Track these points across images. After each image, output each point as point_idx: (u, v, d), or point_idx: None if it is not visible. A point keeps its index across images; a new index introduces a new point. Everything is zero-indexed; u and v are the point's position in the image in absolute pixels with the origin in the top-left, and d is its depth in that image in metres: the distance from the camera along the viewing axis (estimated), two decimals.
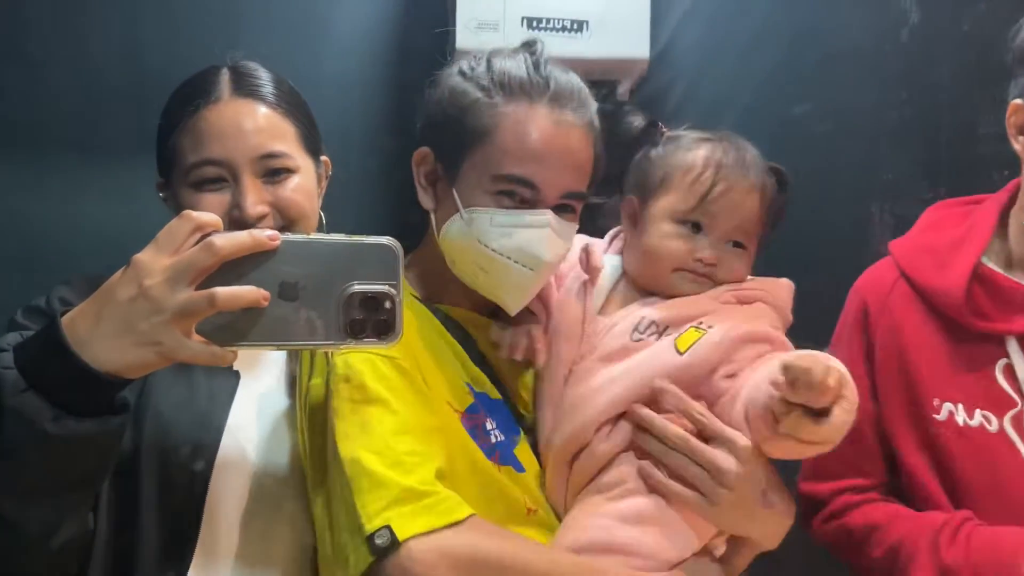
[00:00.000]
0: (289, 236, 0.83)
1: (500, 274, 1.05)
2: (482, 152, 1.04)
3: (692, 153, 1.09)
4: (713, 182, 1.07)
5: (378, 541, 0.89)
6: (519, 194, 1.03)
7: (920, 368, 1.14)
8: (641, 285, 1.11)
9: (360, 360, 0.97)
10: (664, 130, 1.13)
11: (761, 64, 1.60)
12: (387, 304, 0.84)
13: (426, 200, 1.10)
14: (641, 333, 1.06)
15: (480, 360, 1.11)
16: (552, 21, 1.46)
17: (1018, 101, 1.08)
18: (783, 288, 1.11)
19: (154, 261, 0.79)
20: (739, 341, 1.02)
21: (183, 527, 1.02)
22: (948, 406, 1.12)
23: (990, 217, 1.15)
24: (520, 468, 1.07)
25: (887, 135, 1.58)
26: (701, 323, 1.04)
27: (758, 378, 0.96)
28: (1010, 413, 1.09)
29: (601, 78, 1.47)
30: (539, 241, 1.04)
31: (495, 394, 1.10)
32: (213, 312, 0.79)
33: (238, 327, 0.82)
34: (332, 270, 0.83)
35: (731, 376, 1.01)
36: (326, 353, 1.00)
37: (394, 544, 0.89)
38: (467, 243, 1.04)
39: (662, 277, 1.09)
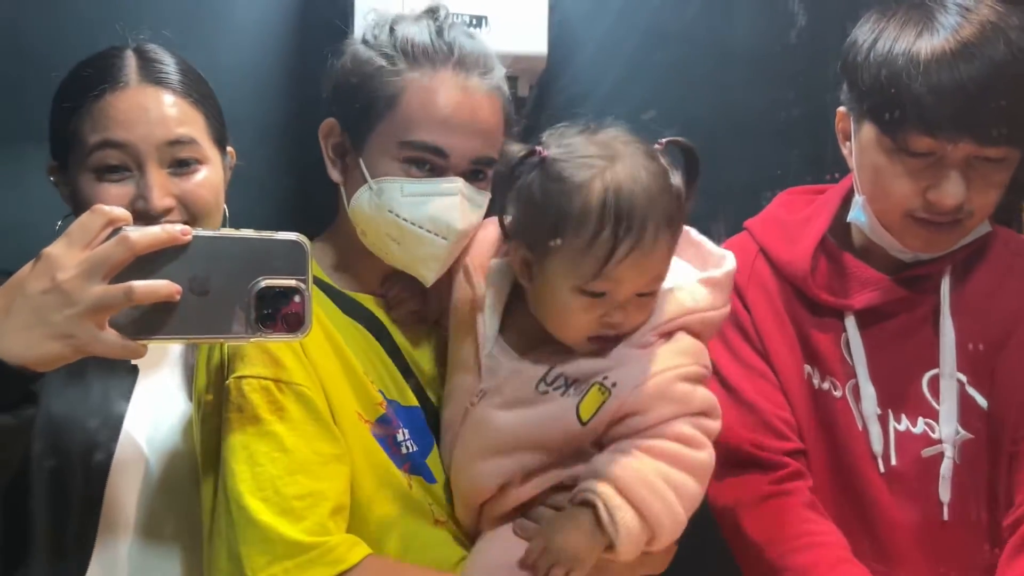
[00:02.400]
0: (200, 232, 0.85)
1: (413, 245, 1.04)
2: (388, 120, 1.03)
3: (582, 196, 0.95)
4: (613, 245, 0.94)
5: None
6: (428, 161, 1.02)
7: (789, 332, 1.22)
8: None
9: (254, 390, 0.95)
10: (543, 153, 0.99)
11: (657, 62, 1.63)
12: (296, 298, 0.86)
13: (334, 173, 1.09)
14: (548, 385, 1.01)
15: (395, 352, 1.09)
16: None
17: (842, 109, 1.18)
18: (715, 291, 1.04)
19: (67, 255, 0.80)
20: (642, 399, 0.98)
21: (82, 523, 1.01)
22: (807, 368, 1.21)
23: (834, 201, 1.23)
24: (431, 479, 1.06)
25: (776, 132, 1.63)
26: (606, 378, 0.98)
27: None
28: (850, 383, 1.18)
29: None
30: (451, 209, 1.02)
31: (410, 400, 1.09)
32: (129, 305, 0.80)
33: (149, 321, 0.83)
34: (242, 265, 0.85)
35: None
36: (222, 365, 0.97)
37: None
38: (377, 214, 1.03)
39: (570, 341, 1.01)
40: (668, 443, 0.96)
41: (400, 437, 1.05)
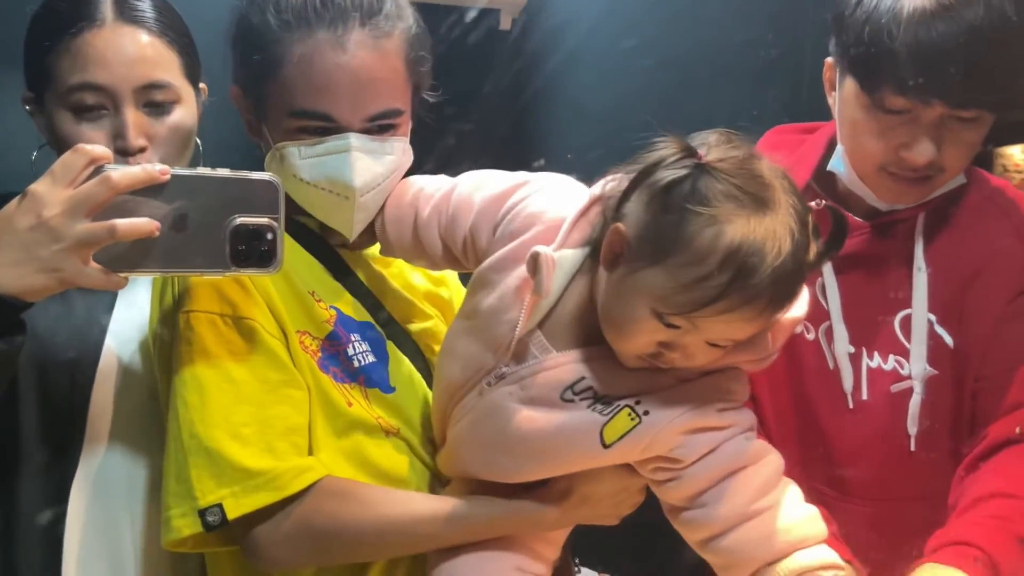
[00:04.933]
0: (178, 171, 0.88)
1: (321, 205, 1.05)
2: (276, 88, 1.01)
3: (714, 231, 0.84)
4: (715, 297, 0.84)
5: (209, 518, 0.93)
6: (318, 127, 1.00)
7: None
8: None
9: (202, 323, 0.97)
10: (702, 158, 0.87)
11: (638, 2, 1.63)
12: (269, 236, 0.90)
13: (252, 136, 1.09)
14: (575, 394, 0.95)
15: (345, 273, 1.11)
16: None
17: (829, 60, 1.19)
18: (777, 338, 0.95)
19: (51, 193, 0.84)
20: (675, 434, 0.94)
21: (68, 434, 1.06)
22: None
23: (818, 148, 1.25)
24: (388, 388, 1.07)
25: (754, 74, 1.65)
26: (639, 402, 0.93)
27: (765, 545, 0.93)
28: (823, 325, 1.21)
29: (487, 6, 1.46)
30: (344, 166, 1.01)
31: (362, 315, 1.10)
32: (112, 242, 0.84)
33: (130, 255, 0.87)
34: (218, 203, 0.89)
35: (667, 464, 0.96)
36: (175, 301, 1.01)
37: (224, 523, 0.93)
38: (286, 179, 1.01)
39: (618, 350, 0.94)
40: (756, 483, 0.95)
41: (352, 351, 1.06)
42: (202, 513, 0.93)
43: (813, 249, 0.90)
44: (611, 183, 0.96)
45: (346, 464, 1.03)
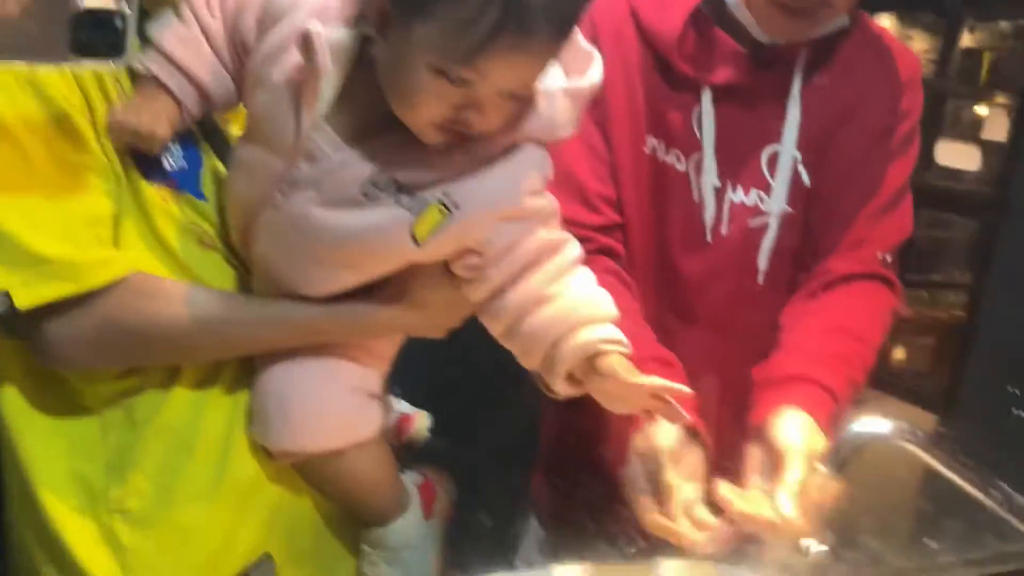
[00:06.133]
0: None
1: None
2: None
3: None
4: (494, 32, 0.79)
5: None
6: None
7: (638, 101, 1.21)
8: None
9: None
10: None
11: None
12: (118, 23, 0.78)
13: None
14: (377, 188, 0.89)
15: None
16: None
17: None
18: (575, 105, 0.93)
19: None
20: (487, 223, 0.91)
21: None
22: (652, 140, 1.22)
23: None
24: (200, 196, 0.98)
25: None
26: (447, 194, 0.89)
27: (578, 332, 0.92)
28: (694, 156, 1.20)
29: None
30: None
31: None
32: None
33: None
34: None
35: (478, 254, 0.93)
36: None
37: (11, 310, 0.86)
38: None
39: (412, 124, 0.88)
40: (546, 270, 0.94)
41: (163, 150, 0.96)
42: None
43: None
44: None
45: (158, 266, 0.96)
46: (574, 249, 0.97)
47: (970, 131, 3.56)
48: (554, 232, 0.96)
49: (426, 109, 0.85)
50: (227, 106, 1.00)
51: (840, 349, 1.13)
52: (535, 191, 0.93)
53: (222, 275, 1.00)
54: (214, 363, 1.00)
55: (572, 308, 0.94)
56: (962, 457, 0.94)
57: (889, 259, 1.24)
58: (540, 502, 1.47)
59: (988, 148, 3.43)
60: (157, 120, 0.92)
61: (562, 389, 0.96)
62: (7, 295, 0.86)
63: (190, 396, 0.99)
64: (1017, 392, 2.10)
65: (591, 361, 0.93)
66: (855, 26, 1.21)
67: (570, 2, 0.85)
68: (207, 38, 0.96)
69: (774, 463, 1.01)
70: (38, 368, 0.95)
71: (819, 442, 1.02)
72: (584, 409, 1.00)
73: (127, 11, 0.77)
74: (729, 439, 1.13)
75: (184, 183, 0.97)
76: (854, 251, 1.22)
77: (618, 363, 0.92)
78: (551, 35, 0.83)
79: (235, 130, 1.04)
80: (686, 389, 0.91)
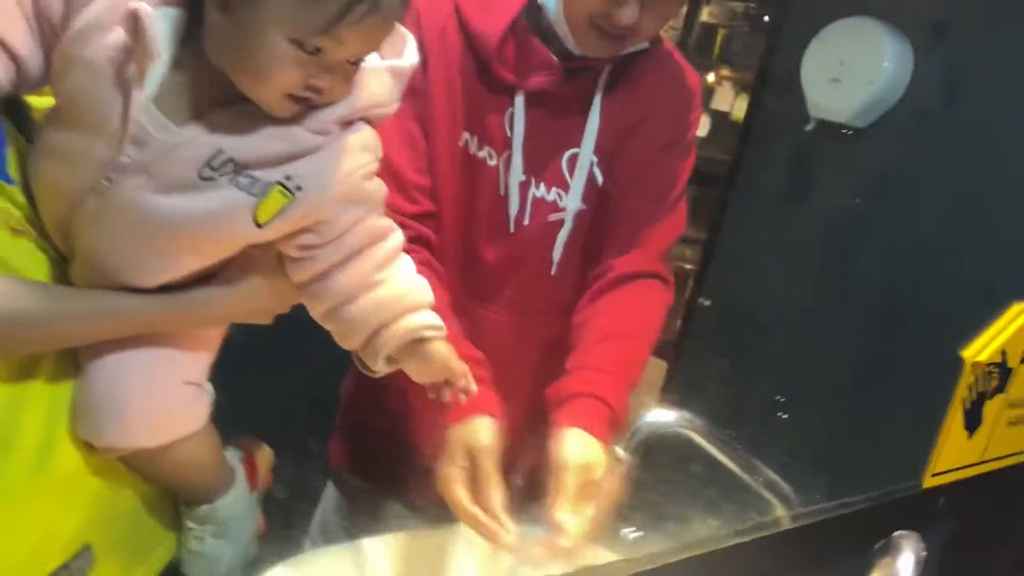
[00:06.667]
0: None
1: None
2: None
3: None
4: (349, 1, 0.82)
5: None
6: None
7: (457, 98, 1.29)
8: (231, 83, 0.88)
9: None
10: None
11: None
12: None
13: None
14: (214, 169, 0.88)
15: None
16: None
17: None
18: (397, 83, 0.96)
19: None
20: (328, 205, 0.93)
21: None
22: (467, 135, 1.30)
23: None
24: (7, 178, 0.93)
25: None
26: (290, 178, 0.90)
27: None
28: (505, 154, 1.30)
29: None
30: None
31: None
32: None
33: None
34: None
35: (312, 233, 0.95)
36: None
37: None
38: None
39: (262, 97, 0.87)
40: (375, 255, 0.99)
41: None
42: None
43: None
44: None
45: None
46: (398, 236, 1.02)
47: (703, 100, 3.90)
48: (382, 219, 1.01)
49: (281, 80, 0.85)
50: (38, 84, 0.95)
51: (618, 355, 1.27)
52: (370, 174, 0.97)
53: (34, 263, 0.94)
54: (30, 356, 0.96)
55: (398, 296, 1.01)
56: (727, 439, 1.12)
57: (665, 256, 1.40)
58: (337, 467, 1.53)
59: (716, 117, 3.79)
60: None
61: (381, 369, 1.03)
62: None
63: (6, 390, 0.94)
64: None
65: (413, 345, 1.01)
66: (652, 46, 1.33)
67: None
68: (19, 7, 0.89)
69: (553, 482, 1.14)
70: None
71: (593, 453, 1.16)
72: (385, 379, 1.07)
73: None
74: (523, 419, 1.26)
75: None
76: (635, 248, 1.36)
77: (442, 348, 1.03)
78: (397, 7, 0.87)
79: (42, 100, 0.97)
80: (475, 388, 1.07)
